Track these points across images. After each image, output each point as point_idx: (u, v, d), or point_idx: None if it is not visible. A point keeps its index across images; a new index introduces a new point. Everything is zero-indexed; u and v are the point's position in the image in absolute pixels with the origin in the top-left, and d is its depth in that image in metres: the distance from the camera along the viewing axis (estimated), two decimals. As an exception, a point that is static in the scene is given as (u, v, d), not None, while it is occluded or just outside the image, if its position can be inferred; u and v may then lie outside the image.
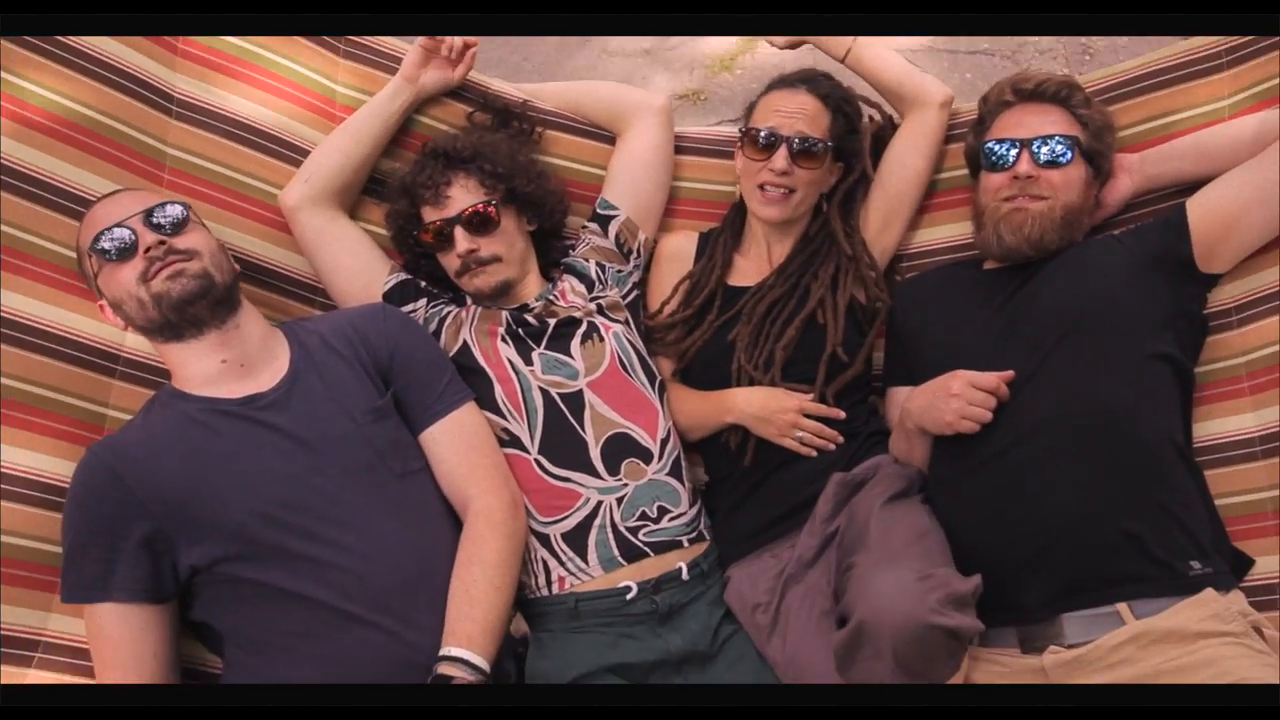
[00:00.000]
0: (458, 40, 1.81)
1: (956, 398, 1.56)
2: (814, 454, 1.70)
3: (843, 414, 1.72)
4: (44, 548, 1.51)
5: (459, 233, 1.73)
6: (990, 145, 1.73)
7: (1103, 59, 2.98)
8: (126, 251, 1.49)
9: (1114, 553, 1.47)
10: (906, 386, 1.79)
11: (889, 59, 1.86)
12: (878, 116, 1.92)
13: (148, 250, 1.48)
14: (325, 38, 1.88)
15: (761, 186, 1.76)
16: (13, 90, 1.59)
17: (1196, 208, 1.64)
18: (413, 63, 1.82)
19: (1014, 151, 1.70)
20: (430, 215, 1.74)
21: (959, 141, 1.91)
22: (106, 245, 1.49)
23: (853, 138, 1.83)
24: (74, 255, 1.60)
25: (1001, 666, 1.50)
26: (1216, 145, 1.69)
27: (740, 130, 1.84)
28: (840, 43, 1.88)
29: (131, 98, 1.70)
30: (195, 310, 1.48)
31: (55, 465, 1.55)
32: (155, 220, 1.51)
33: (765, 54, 3.46)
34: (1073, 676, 1.45)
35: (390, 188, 1.81)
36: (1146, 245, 1.67)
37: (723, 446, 1.77)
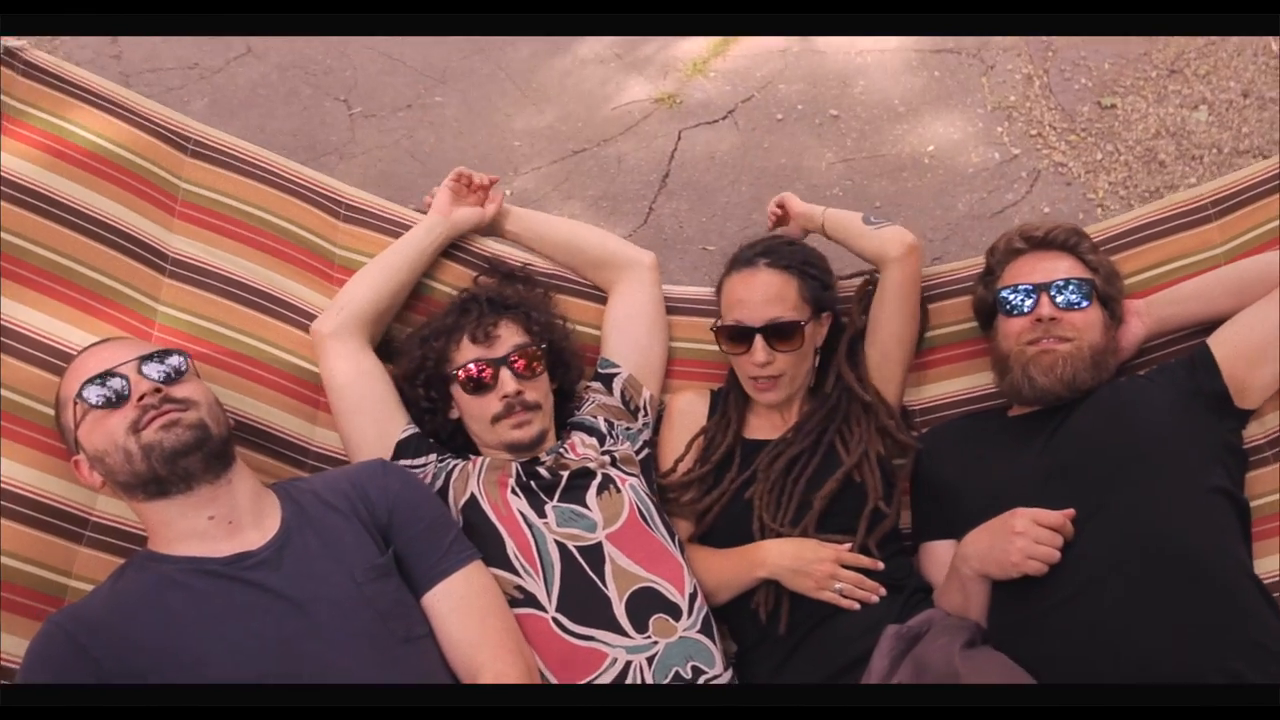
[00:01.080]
0: (482, 176, 1.89)
1: (1021, 536, 1.47)
2: (856, 606, 1.58)
3: (882, 564, 1.62)
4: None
5: (505, 374, 1.67)
6: (1006, 293, 1.72)
7: (1065, 54, 3.00)
8: (118, 399, 1.39)
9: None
10: (944, 540, 1.71)
11: (844, 222, 1.87)
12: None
13: (141, 398, 1.38)
14: (325, 201, 1.88)
15: (752, 377, 1.73)
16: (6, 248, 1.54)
17: (1219, 346, 1.64)
18: (444, 200, 1.86)
19: (1032, 297, 1.70)
20: (472, 354, 1.68)
21: (962, 295, 1.91)
22: (95, 392, 1.39)
23: (827, 293, 1.80)
24: (51, 413, 1.50)
25: None
26: (1224, 287, 1.71)
27: (712, 327, 1.80)
28: (813, 218, 1.92)
29: (125, 255, 1.66)
30: (188, 463, 1.37)
31: (9, 644, 1.38)
32: (151, 368, 1.42)
33: (737, 56, 3.53)
34: None
35: (412, 336, 1.76)
36: (1178, 382, 1.65)
37: (751, 613, 1.63)
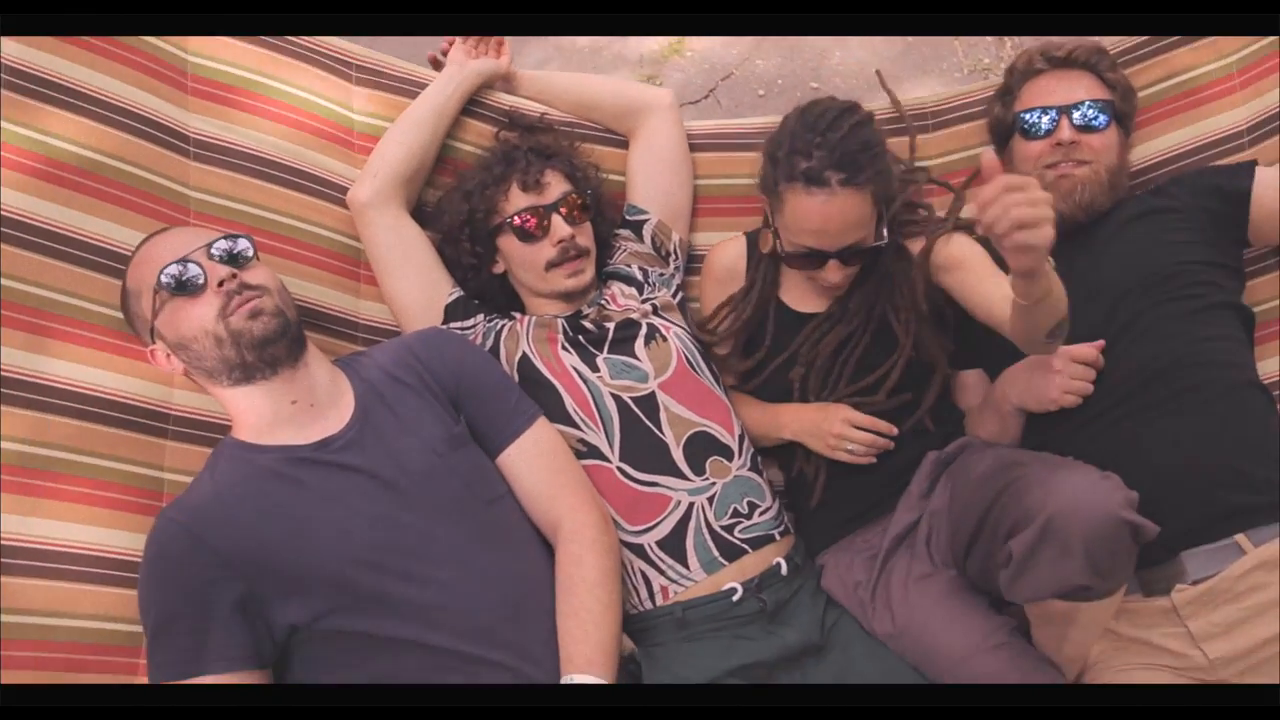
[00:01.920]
0: (490, 39, 1.88)
1: (1059, 374, 1.54)
2: (873, 460, 1.65)
3: (895, 429, 1.65)
4: (120, 628, 1.45)
5: (557, 220, 1.71)
6: (1027, 115, 1.74)
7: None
8: (196, 286, 1.42)
9: (1227, 490, 1.49)
10: (974, 369, 1.80)
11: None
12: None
13: (221, 284, 1.41)
14: (336, 65, 1.85)
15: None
16: (19, 141, 1.52)
17: (1263, 189, 1.66)
18: (459, 54, 1.85)
19: (1052, 119, 1.71)
20: (524, 201, 1.72)
21: (973, 120, 1.91)
22: (173, 279, 1.41)
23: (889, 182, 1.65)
24: (108, 312, 1.53)
25: (1133, 611, 1.52)
26: None
27: (773, 251, 1.69)
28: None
29: (147, 140, 1.64)
30: (275, 350, 1.41)
31: (119, 539, 1.48)
32: (222, 253, 1.45)
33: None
34: (1205, 610, 1.47)
35: (453, 191, 1.78)
36: (1202, 203, 1.69)
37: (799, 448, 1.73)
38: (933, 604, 1.51)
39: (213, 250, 1.45)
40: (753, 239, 1.81)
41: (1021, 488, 1.34)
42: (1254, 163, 1.73)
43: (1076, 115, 1.71)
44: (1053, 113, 1.72)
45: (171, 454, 1.57)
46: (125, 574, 1.47)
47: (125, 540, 1.48)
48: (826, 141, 1.52)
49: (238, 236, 1.48)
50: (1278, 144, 1.78)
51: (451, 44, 1.90)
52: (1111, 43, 1.85)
